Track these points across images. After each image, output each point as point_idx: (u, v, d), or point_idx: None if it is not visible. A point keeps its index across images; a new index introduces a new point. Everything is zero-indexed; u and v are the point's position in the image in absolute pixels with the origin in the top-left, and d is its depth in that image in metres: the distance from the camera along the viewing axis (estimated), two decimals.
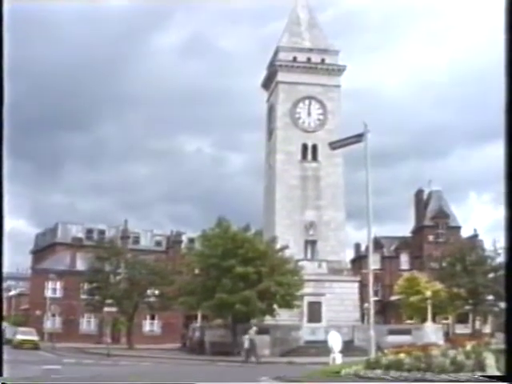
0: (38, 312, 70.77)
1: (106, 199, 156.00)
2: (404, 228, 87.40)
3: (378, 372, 20.52)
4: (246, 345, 40.21)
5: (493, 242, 63.96)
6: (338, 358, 33.85)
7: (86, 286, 66.71)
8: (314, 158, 59.46)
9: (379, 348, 29.27)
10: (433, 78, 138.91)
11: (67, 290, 73.90)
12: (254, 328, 42.20)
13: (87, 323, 75.05)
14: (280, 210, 58.08)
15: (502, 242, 61.82)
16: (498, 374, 18.50)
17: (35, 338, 56.62)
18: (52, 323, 70.43)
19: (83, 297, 67.64)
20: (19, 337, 55.04)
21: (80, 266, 72.85)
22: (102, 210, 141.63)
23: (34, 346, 53.16)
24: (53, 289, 73.41)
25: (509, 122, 4.95)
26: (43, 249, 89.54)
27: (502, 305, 61.16)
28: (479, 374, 18.46)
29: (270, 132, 62.75)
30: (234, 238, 45.79)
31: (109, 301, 59.00)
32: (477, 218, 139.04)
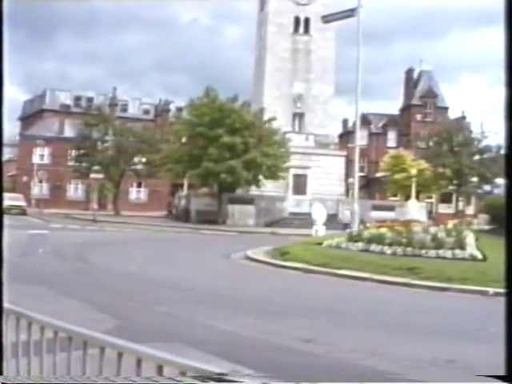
0: (25, 178, 70.95)
1: (98, 67, 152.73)
2: (393, 106, 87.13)
3: (360, 245, 20.97)
4: (347, 220, 34.69)
5: (480, 124, 64.33)
6: (320, 230, 34.49)
7: (73, 153, 66.72)
8: (306, 31, 58.28)
9: (362, 222, 29.79)
10: None
11: (55, 157, 73.78)
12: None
13: (74, 189, 75.34)
14: (269, 82, 57.42)
15: (489, 126, 62.24)
16: (476, 252, 18.91)
17: (23, 203, 56.90)
18: (39, 189, 70.89)
19: (70, 163, 67.66)
20: (7, 202, 55.11)
21: (68, 132, 72.52)
22: (94, 77, 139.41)
23: (22, 212, 53.46)
24: (40, 155, 73.10)
25: None
26: (31, 115, 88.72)
27: (486, 187, 62.12)
28: (459, 251, 18.84)
29: (263, 2, 61.28)
30: (221, 107, 45.65)
31: (96, 167, 59.26)
32: (467, 100, 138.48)
